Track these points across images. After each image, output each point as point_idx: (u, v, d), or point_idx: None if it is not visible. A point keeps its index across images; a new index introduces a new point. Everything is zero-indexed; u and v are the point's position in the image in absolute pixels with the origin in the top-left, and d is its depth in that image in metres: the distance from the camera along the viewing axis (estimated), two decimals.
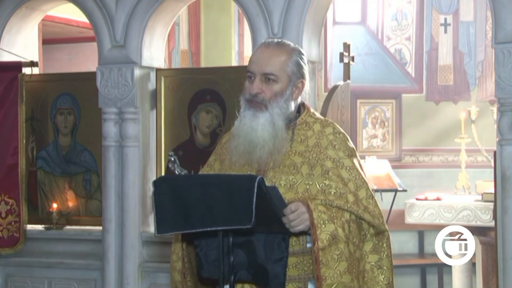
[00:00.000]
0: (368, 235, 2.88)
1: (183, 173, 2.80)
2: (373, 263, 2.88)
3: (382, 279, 2.90)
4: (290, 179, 2.88)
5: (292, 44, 3.01)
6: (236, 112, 2.98)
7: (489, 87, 8.94)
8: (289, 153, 2.92)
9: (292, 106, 2.95)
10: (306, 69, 2.97)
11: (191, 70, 6.93)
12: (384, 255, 2.91)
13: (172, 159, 2.82)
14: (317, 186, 2.85)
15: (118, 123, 4.95)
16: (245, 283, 2.84)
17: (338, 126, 3.02)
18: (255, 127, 2.87)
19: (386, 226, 2.93)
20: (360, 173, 2.92)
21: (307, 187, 2.86)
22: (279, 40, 3.04)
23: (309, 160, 2.89)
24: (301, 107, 3.02)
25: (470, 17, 9.26)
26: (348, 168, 2.90)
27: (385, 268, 2.90)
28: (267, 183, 2.89)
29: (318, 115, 3.06)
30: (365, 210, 2.85)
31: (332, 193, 2.83)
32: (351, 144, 2.99)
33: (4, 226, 5.16)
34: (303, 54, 2.98)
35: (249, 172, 2.93)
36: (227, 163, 2.97)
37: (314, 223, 2.72)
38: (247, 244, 2.72)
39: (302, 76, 2.94)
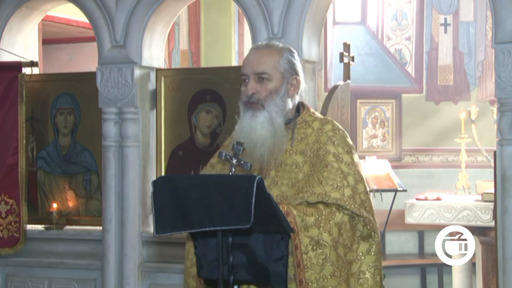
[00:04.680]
0: (364, 236, 2.89)
1: (242, 162, 2.76)
2: (370, 264, 2.89)
3: (378, 280, 2.90)
4: (293, 177, 2.91)
5: (281, 44, 3.06)
6: (236, 116, 2.99)
7: (489, 87, 8.94)
8: (290, 152, 2.94)
9: (290, 103, 2.98)
10: (299, 66, 3.00)
11: (191, 70, 6.93)
12: (379, 255, 2.93)
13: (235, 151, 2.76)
14: (315, 178, 2.87)
15: (118, 123, 4.96)
16: (246, 283, 2.84)
17: (337, 123, 3.05)
18: (254, 126, 2.90)
19: (377, 224, 2.96)
20: (358, 170, 2.95)
21: (308, 181, 2.88)
22: (268, 42, 3.12)
23: (310, 158, 2.92)
24: (300, 107, 3.04)
25: (470, 17, 9.26)
26: (347, 163, 2.93)
27: (379, 267, 2.92)
28: (269, 183, 2.90)
29: (318, 114, 3.09)
30: (361, 205, 2.87)
31: (329, 184, 2.85)
32: (350, 141, 3.01)
33: (4, 226, 5.16)
34: (294, 52, 3.02)
35: (251, 173, 2.93)
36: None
37: (296, 228, 2.74)
38: (246, 244, 2.72)
39: (295, 72, 2.98)
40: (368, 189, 2.96)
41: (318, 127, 2.99)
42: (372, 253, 2.89)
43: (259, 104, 2.91)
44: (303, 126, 3.00)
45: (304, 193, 2.85)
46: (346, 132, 3.03)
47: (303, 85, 3.02)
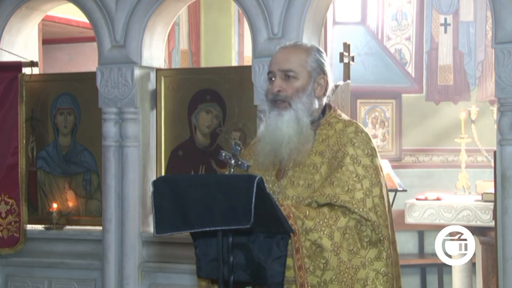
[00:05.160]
0: (373, 241, 2.82)
1: (239, 162, 2.76)
2: (379, 270, 2.80)
3: (389, 287, 2.81)
4: (309, 178, 2.87)
5: (309, 44, 3.04)
6: (262, 115, 2.97)
7: (489, 87, 8.94)
8: (310, 152, 2.90)
9: (316, 103, 2.93)
10: (327, 67, 2.96)
11: (191, 70, 6.93)
12: (390, 261, 2.84)
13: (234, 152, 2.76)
14: (328, 179, 2.83)
15: (118, 123, 4.96)
16: (245, 285, 2.83)
17: (361, 126, 2.99)
18: (280, 126, 2.87)
19: (389, 231, 2.88)
20: (378, 173, 2.88)
21: (323, 183, 2.84)
22: (296, 42, 3.09)
23: (329, 160, 2.87)
24: (326, 109, 3.00)
25: (470, 17, 9.26)
26: (365, 166, 2.86)
27: (390, 274, 2.82)
28: (286, 182, 2.89)
29: (344, 116, 3.02)
30: (372, 209, 2.80)
31: (340, 186, 2.80)
32: (372, 144, 2.94)
33: (4, 226, 5.16)
34: (322, 52, 2.97)
35: (270, 172, 2.93)
36: (252, 164, 2.94)
37: (297, 231, 2.71)
38: (245, 244, 2.71)
39: (323, 72, 2.93)
40: (385, 195, 2.88)
41: (341, 129, 2.93)
42: (382, 259, 2.81)
43: (286, 102, 2.87)
44: (325, 127, 2.94)
45: (315, 193, 2.81)
46: (369, 135, 2.96)
47: (331, 86, 2.97)
